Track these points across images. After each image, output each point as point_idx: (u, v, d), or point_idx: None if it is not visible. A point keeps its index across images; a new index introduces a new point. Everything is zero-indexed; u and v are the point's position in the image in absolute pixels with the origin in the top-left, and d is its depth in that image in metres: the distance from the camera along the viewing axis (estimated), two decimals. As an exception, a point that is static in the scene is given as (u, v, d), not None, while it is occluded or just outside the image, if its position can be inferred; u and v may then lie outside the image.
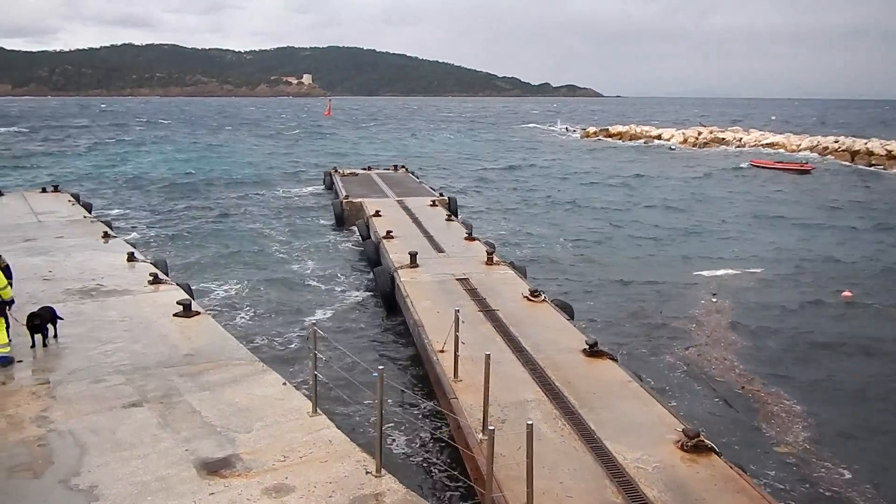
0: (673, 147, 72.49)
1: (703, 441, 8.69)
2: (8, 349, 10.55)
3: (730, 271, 22.12)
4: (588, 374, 11.07)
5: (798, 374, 14.08)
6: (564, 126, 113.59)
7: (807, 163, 53.40)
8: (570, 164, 56.21)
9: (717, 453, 8.60)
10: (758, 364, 14.55)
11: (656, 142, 77.97)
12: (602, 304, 18.72)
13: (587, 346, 11.90)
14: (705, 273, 21.91)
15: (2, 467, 7.67)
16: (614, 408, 9.90)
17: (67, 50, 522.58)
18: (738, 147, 70.15)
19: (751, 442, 11.23)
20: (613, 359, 11.77)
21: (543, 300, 14.91)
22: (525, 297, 15.04)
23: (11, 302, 10.90)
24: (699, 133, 79.34)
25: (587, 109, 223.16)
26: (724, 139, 74.80)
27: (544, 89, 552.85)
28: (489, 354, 8.82)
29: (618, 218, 32.15)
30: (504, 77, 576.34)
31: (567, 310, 14.86)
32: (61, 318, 11.71)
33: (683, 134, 79.41)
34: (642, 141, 79.61)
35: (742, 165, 54.49)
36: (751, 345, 15.68)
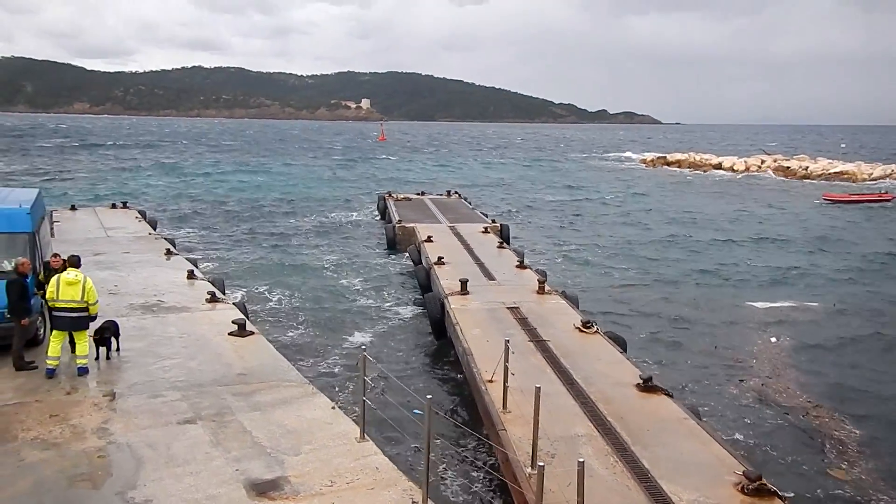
0: (740, 176, 70.63)
1: (765, 484, 8.35)
2: (56, 363, 10.91)
3: (788, 303, 21.41)
4: (642, 409, 10.82)
5: (861, 412, 13.45)
6: (623, 154, 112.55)
7: (886, 192, 49.11)
8: (626, 192, 55.52)
9: (780, 497, 8.24)
10: (818, 400, 13.97)
11: (717, 171, 76.28)
12: (656, 337, 18.33)
13: (641, 381, 11.64)
14: (762, 304, 21.27)
15: (64, 476, 7.95)
16: (669, 445, 9.62)
17: (142, 71, 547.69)
18: (805, 177, 67.14)
19: (815, 486, 10.75)
20: (668, 394, 11.47)
21: (596, 331, 14.67)
22: (577, 327, 14.84)
23: (93, 318, 11.35)
24: (762, 161, 77.30)
25: (645, 136, 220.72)
26: (788, 168, 72.31)
27: (601, 116, 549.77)
28: (539, 387, 8.71)
29: (672, 249, 31.51)
30: (560, 103, 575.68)
31: (620, 342, 14.58)
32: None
33: (745, 162, 77.49)
34: (702, 169, 78.16)
35: (815, 202, 49.57)
36: (810, 382, 15.09)
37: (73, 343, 11.14)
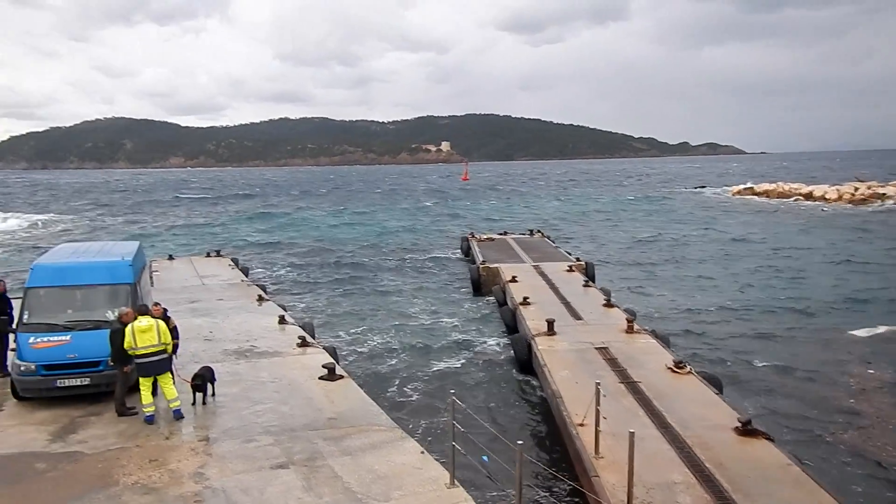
0: (825, 209, 67.05)
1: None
2: (153, 409, 11.35)
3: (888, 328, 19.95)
4: (742, 455, 10.24)
5: None
6: (709, 188, 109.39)
7: None
8: (714, 225, 53.68)
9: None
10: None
11: (806, 202, 72.74)
12: (753, 376, 17.40)
13: (740, 424, 11.06)
14: (862, 333, 19.87)
15: (163, 521, 8.19)
16: (773, 495, 9.05)
17: (232, 125, 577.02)
18: None
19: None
20: (770, 438, 10.82)
21: (689, 372, 14.11)
22: (669, 368, 14.32)
23: (175, 350, 11.91)
24: (856, 189, 73.15)
25: (727, 167, 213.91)
26: (884, 194, 68.11)
27: (683, 148, 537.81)
28: (633, 431, 8.39)
29: (767, 282, 30.06)
30: (640, 137, 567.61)
31: (715, 383, 13.94)
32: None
33: (837, 190, 73.57)
34: (792, 199, 74.78)
35: None
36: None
37: (155, 387, 11.57)
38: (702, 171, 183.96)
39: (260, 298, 21.64)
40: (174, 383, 11.92)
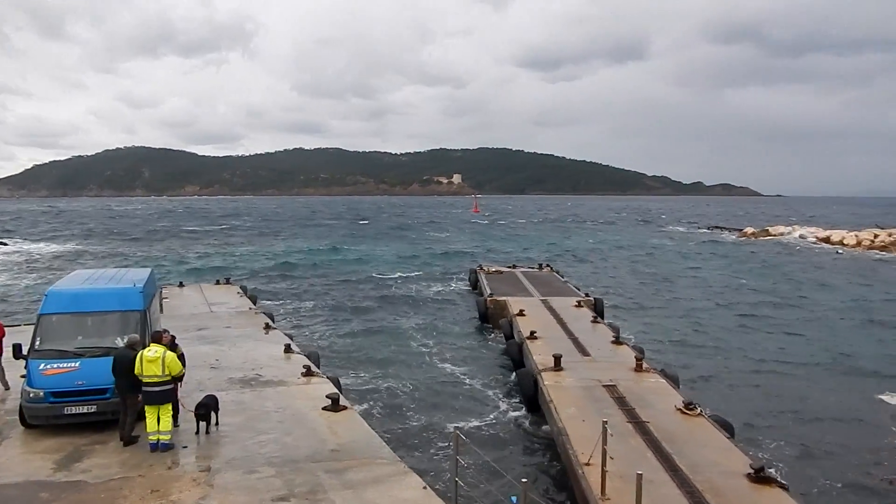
0: (840, 251, 66.45)
1: None
2: (157, 437, 11.22)
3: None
4: (754, 503, 9.98)
5: None
6: (717, 225, 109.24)
7: None
8: (722, 265, 53.38)
9: None
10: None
11: (824, 245, 72.25)
12: (765, 421, 17.06)
13: (752, 471, 10.79)
14: (889, 399, 19.38)
15: (160, 553, 8.04)
16: (786, 546, 8.78)
17: (248, 154, 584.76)
18: None
19: None
20: (784, 487, 10.54)
21: (700, 414, 13.85)
22: (678, 409, 14.07)
23: (180, 379, 11.85)
24: (875, 235, 72.39)
25: (741, 209, 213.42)
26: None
27: (697, 188, 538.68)
28: (641, 474, 8.21)
29: (779, 327, 29.71)
30: (654, 175, 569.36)
31: (726, 426, 13.65)
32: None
33: (856, 236, 72.92)
34: (805, 239, 74.38)
35: None
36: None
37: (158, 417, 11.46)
38: (707, 208, 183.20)
39: (267, 326, 21.59)
40: (178, 413, 11.88)
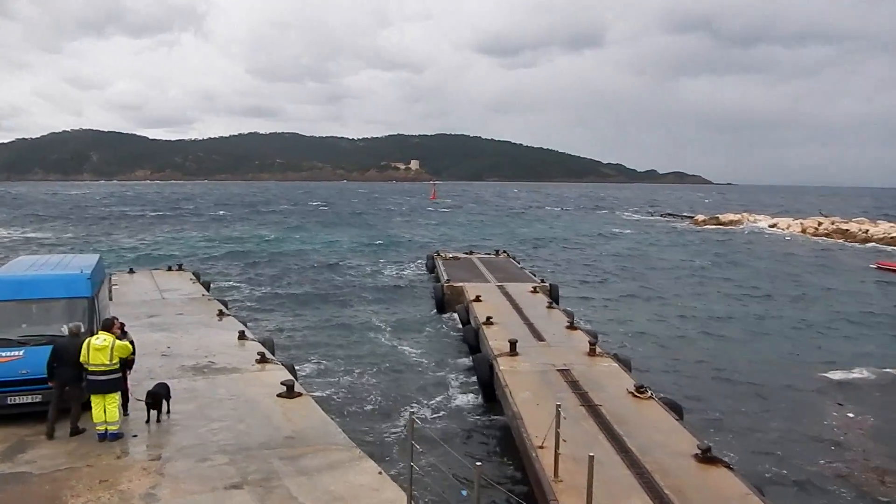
0: (788, 238, 68.64)
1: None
2: (104, 426, 10.97)
3: (858, 375, 20.28)
4: (702, 483, 10.27)
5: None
6: (670, 212, 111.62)
7: None
8: (674, 250, 54.57)
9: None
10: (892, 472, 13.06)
11: (774, 231, 74.49)
12: (713, 404, 17.59)
13: (700, 451, 11.11)
14: (832, 375, 20.17)
15: (109, 544, 7.89)
16: (731, 523, 9.08)
17: (201, 138, 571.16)
18: (866, 241, 63.63)
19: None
20: (729, 467, 10.88)
21: (650, 397, 14.17)
22: (630, 392, 14.37)
23: (130, 364, 11.66)
24: (819, 223, 75.04)
25: (695, 196, 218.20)
26: (847, 230, 69.84)
27: (650, 176, 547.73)
28: (593, 455, 8.36)
29: (728, 312, 30.55)
30: (608, 163, 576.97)
31: (676, 408, 14.01)
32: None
33: (801, 224, 75.50)
34: (754, 227, 76.60)
35: (870, 267, 46.14)
36: (884, 455, 14.15)
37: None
38: (667, 196, 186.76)
39: (220, 313, 21.26)
40: (128, 401, 11.63)
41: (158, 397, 11.82)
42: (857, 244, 61.61)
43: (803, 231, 72.51)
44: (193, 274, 30.51)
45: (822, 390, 18.84)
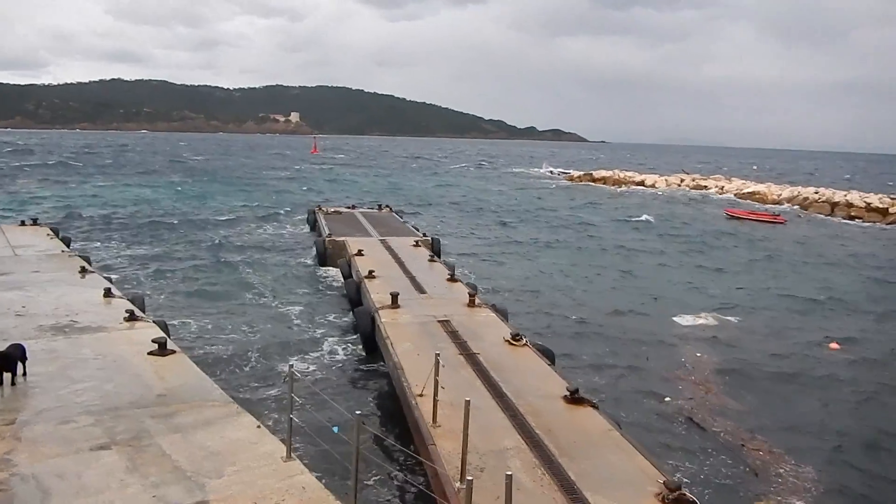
0: (660, 192, 73.52)
1: (684, 495, 8.55)
2: None
3: (709, 319, 22.17)
4: (569, 421, 10.93)
5: (781, 421, 14.03)
6: (549, 169, 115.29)
7: (779, 214, 52.61)
8: (553, 205, 56.68)
9: (698, 507, 8.45)
10: (742, 415, 14.49)
11: (640, 188, 78.94)
12: (583, 348, 18.69)
13: (568, 393, 11.78)
14: (686, 319, 21.95)
15: (-41, 513, 7.37)
16: (595, 457, 9.74)
17: (56, 84, 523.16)
18: (720, 194, 71.12)
19: (734, 497, 11.08)
20: (594, 406, 11.63)
21: (525, 344, 14.80)
22: (507, 340, 14.94)
23: None
24: (681, 180, 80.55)
25: (573, 153, 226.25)
26: (705, 186, 75.98)
27: (530, 132, 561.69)
28: (469, 400, 8.66)
29: (595, 261, 32.31)
30: (490, 120, 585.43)
31: (548, 354, 14.75)
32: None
33: (666, 181, 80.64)
34: (626, 186, 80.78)
35: (721, 214, 54.97)
36: (735, 393, 15.65)
37: None
38: (548, 156, 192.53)
39: (83, 270, 19.92)
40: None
41: (12, 359, 10.97)
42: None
43: (668, 186, 77.88)
44: (51, 229, 28.24)
45: (677, 334, 20.45)
